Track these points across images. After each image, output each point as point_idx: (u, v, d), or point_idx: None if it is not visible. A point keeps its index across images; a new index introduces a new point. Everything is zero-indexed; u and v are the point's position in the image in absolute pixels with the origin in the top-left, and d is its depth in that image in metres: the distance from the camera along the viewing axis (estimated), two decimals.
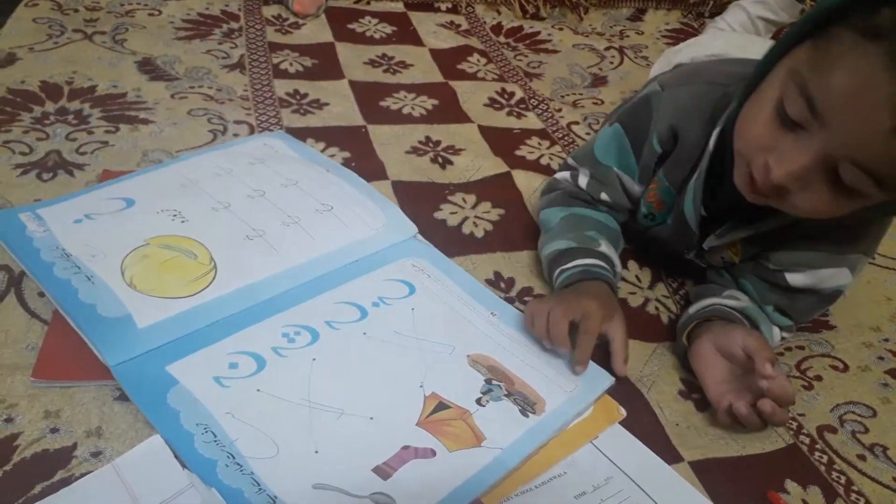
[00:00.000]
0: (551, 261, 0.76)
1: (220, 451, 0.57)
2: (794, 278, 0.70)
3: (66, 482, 0.54)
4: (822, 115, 0.53)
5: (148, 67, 1.10)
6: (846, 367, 0.77)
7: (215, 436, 0.58)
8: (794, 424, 0.70)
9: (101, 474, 0.54)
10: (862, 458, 0.68)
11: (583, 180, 0.79)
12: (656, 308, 0.81)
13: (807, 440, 0.68)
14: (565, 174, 0.82)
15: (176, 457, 0.56)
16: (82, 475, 0.55)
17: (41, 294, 0.68)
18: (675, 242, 0.78)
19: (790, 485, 0.64)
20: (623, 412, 0.67)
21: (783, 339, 0.75)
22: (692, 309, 0.74)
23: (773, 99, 0.56)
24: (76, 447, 0.57)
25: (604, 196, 0.78)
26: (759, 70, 0.59)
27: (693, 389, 0.72)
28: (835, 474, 0.65)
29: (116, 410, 0.60)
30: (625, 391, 0.70)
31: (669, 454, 0.64)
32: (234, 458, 0.57)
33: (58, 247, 0.72)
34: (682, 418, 0.68)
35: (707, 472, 0.63)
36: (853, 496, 0.64)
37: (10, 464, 0.55)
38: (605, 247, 0.75)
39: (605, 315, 0.68)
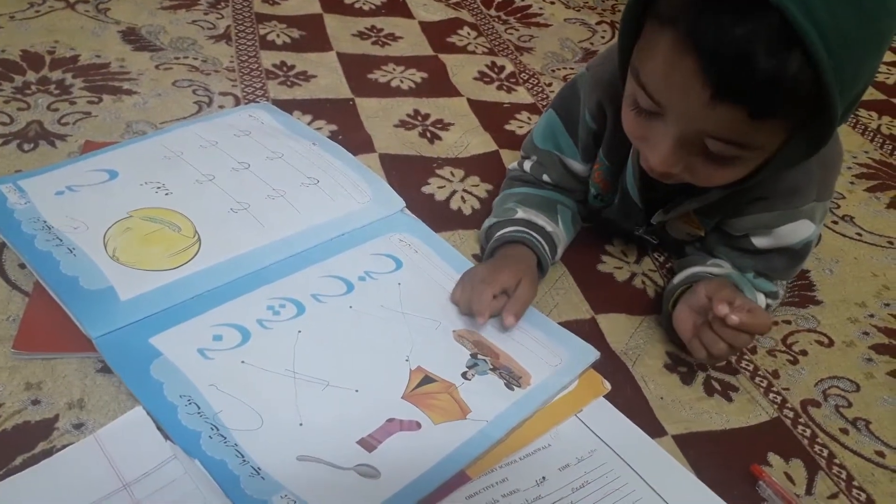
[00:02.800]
0: (482, 240, 0.81)
1: (204, 422, 0.57)
2: (759, 241, 0.72)
3: (48, 454, 0.54)
4: (658, 101, 0.57)
5: (132, 37, 1.08)
6: (831, 342, 0.78)
7: (199, 407, 0.58)
8: (779, 398, 0.70)
9: (83, 446, 0.54)
10: (844, 431, 0.68)
11: (527, 165, 0.82)
12: (643, 282, 0.81)
13: (791, 414, 0.69)
14: (514, 164, 0.85)
15: (159, 428, 0.56)
16: (64, 447, 0.54)
17: (22, 266, 0.67)
18: (624, 220, 0.80)
19: (773, 458, 0.64)
20: (608, 386, 0.67)
21: (768, 305, 0.75)
22: (676, 279, 0.75)
23: (630, 94, 0.61)
24: (58, 419, 0.57)
25: (546, 177, 0.81)
26: (621, 66, 0.63)
27: (678, 363, 0.72)
28: (817, 448, 0.66)
29: (99, 382, 0.60)
30: (610, 365, 0.70)
31: (653, 428, 0.65)
32: (217, 429, 0.57)
33: (39, 219, 0.71)
34: (666, 392, 0.68)
35: (690, 446, 0.64)
36: (835, 469, 0.64)
37: None
38: (521, 213, 0.77)
39: (510, 277, 0.70)
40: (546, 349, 0.69)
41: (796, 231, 0.70)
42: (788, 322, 0.79)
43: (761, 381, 0.72)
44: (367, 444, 0.58)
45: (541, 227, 0.76)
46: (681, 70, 0.53)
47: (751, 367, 0.73)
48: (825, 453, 0.66)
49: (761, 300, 0.74)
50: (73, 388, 0.59)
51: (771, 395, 0.70)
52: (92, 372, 0.60)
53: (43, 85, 0.94)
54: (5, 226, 0.70)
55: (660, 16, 0.55)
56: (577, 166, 0.79)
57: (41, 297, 0.65)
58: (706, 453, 0.63)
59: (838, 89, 0.50)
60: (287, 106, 0.98)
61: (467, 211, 0.87)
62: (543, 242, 0.75)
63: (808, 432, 0.67)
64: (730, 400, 0.69)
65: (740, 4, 0.50)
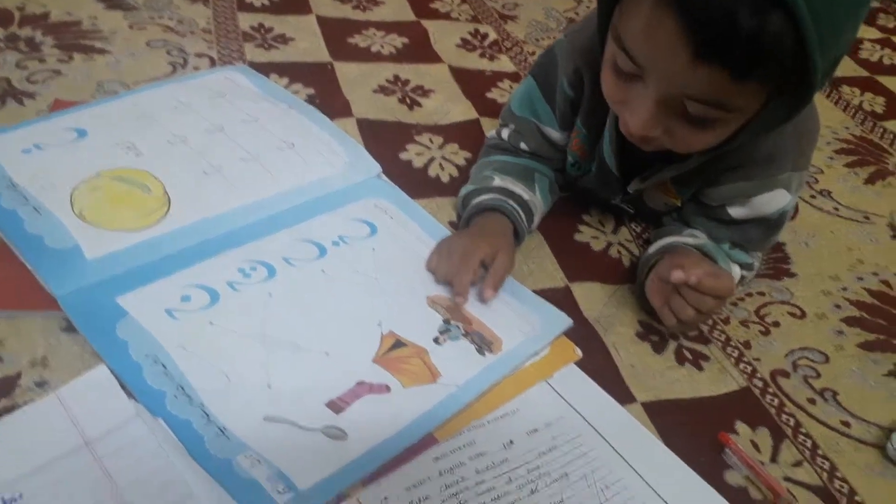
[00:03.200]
0: (458, 208, 0.80)
1: (170, 382, 0.57)
2: (735, 211, 0.71)
3: (9, 411, 0.53)
4: (639, 62, 0.57)
5: None
6: (803, 314, 0.78)
7: (165, 367, 0.57)
8: (749, 368, 0.70)
9: (44, 403, 0.53)
10: (812, 401, 0.69)
11: (505, 133, 0.82)
12: (618, 252, 0.81)
13: (760, 384, 0.69)
14: (492, 132, 0.84)
15: (123, 387, 0.55)
16: (26, 404, 0.53)
17: None
18: (601, 189, 0.80)
19: (740, 426, 0.65)
20: (579, 353, 0.67)
21: (743, 277, 0.75)
22: (651, 248, 0.74)
23: (610, 57, 0.60)
24: (20, 376, 0.56)
25: (523, 146, 0.80)
26: (600, 30, 0.62)
27: (651, 331, 0.72)
28: (784, 417, 0.66)
29: (63, 341, 0.59)
30: (582, 332, 0.70)
31: (623, 395, 0.65)
32: (183, 389, 0.56)
33: (4, 176, 0.70)
34: (637, 360, 0.69)
35: (659, 414, 0.64)
36: (801, 438, 0.65)
37: None
38: (498, 180, 0.76)
39: (488, 248, 0.69)
40: (519, 316, 0.69)
41: (772, 200, 0.69)
42: (762, 294, 0.80)
43: (732, 352, 0.72)
44: (336, 406, 0.58)
45: (518, 195, 0.75)
46: (663, 30, 0.53)
47: (723, 338, 0.73)
48: (791, 422, 0.66)
49: (736, 271, 0.74)
50: (37, 346, 0.58)
51: (741, 365, 0.70)
52: (56, 330, 0.59)
53: (12, 42, 0.91)
54: None
55: None
56: (555, 134, 0.78)
57: (5, 255, 0.63)
58: (674, 421, 0.63)
59: (819, 51, 0.50)
60: (264, 69, 0.97)
61: (445, 178, 0.86)
62: (520, 210, 0.74)
63: (776, 402, 0.68)
64: (700, 369, 0.69)
65: None
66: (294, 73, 0.98)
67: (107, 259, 0.64)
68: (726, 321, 0.75)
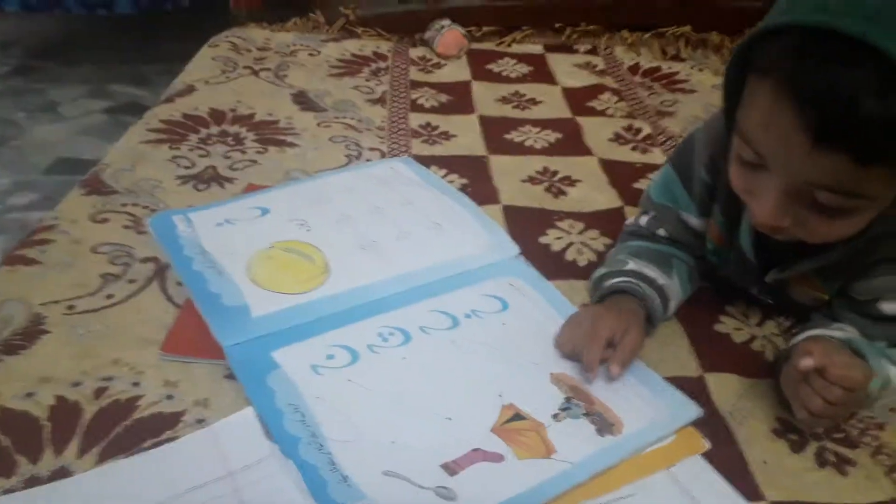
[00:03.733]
0: (591, 290, 0.81)
1: (305, 429, 0.63)
2: (889, 307, 0.66)
3: (171, 441, 0.61)
4: (760, 153, 0.57)
5: (301, 99, 1.22)
6: None
7: (303, 416, 0.64)
8: None
9: (199, 435, 0.61)
10: None
11: (643, 220, 0.82)
12: (762, 345, 0.77)
13: None
14: (631, 219, 0.85)
15: (264, 429, 0.62)
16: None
17: (179, 283, 0.78)
18: (739, 278, 0.77)
19: None
20: (707, 444, 0.65)
21: None
22: (793, 341, 0.70)
23: (736, 148, 0.60)
24: (185, 413, 0.64)
25: (661, 232, 0.80)
26: (727, 122, 0.62)
27: (789, 429, 0.67)
28: None
29: (224, 386, 0.67)
30: (712, 424, 0.67)
31: (751, 492, 0.61)
32: (316, 437, 0.62)
33: (199, 245, 0.83)
34: (771, 457, 0.64)
35: None
36: None
37: (130, 419, 0.63)
38: (632, 264, 0.76)
39: (617, 325, 0.70)
40: (644, 401, 0.68)
41: None
42: None
43: (885, 460, 0.65)
44: (450, 468, 0.61)
45: (652, 278, 0.75)
46: (781, 119, 0.53)
47: (875, 444, 0.66)
48: None
49: (894, 373, 0.68)
50: (202, 388, 0.67)
51: (894, 475, 0.64)
52: (220, 377, 0.68)
53: (222, 137, 1.09)
54: (172, 249, 0.81)
55: (759, 68, 0.56)
56: (694, 221, 0.78)
57: (190, 311, 0.75)
58: None
59: None
60: (425, 161, 1.06)
61: (582, 262, 0.88)
62: (654, 294, 0.74)
63: None
64: (844, 474, 0.63)
65: (841, 49, 0.49)
66: (452, 164, 1.07)
67: (268, 317, 0.73)
68: (881, 427, 0.68)
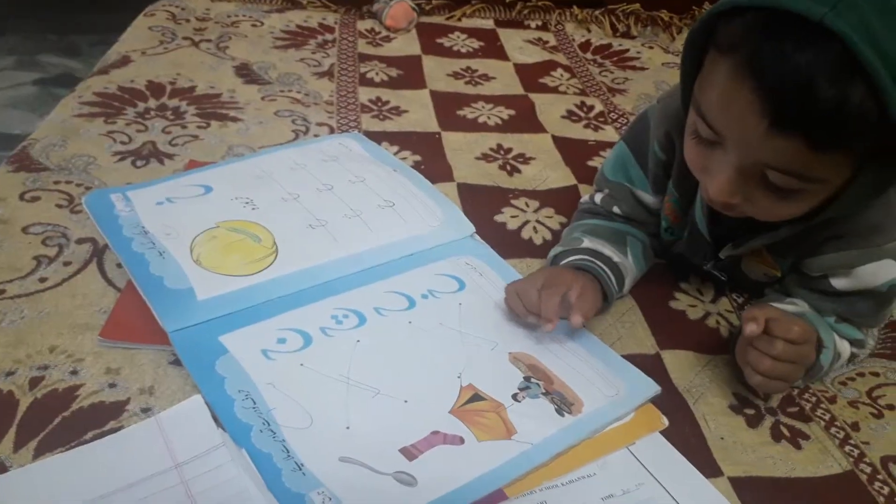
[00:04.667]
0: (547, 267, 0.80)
1: (257, 417, 0.60)
2: (838, 282, 0.67)
3: (115, 432, 0.58)
4: (717, 130, 0.57)
5: (244, 72, 1.17)
6: None
7: (254, 403, 0.61)
8: (856, 451, 0.65)
9: (144, 426, 0.58)
10: None
11: (598, 197, 0.82)
12: (717, 322, 0.78)
13: (868, 469, 0.63)
14: (586, 197, 0.85)
15: (214, 417, 0.59)
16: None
17: (119, 265, 0.74)
18: (693, 254, 0.78)
19: None
20: (665, 421, 0.65)
21: (854, 354, 0.70)
22: None
23: (691, 124, 0.61)
24: (129, 402, 0.61)
25: (616, 209, 0.80)
26: (683, 98, 0.62)
27: (746, 404, 0.68)
28: None
29: (169, 373, 0.64)
30: (670, 401, 0.67)
31: (709, 468, 0.61)
32: (268, 424, 0.59)
33: (138, 224, 0.78)
34: (728, 433, 0.65)
35: (748, 490, 0.60)
36: None
37: (69, 410, 0.59)
38: (588, 242, 0.76)
39: (574, 281, 0.69)
40: (603, 379, 0.68)
41: (879, 272, 0.65)
42: (876, 374, 0.74)
43: (837, 432, 0.67)
44: (409, 452, 0.59)
45: (607, 256, 0.75)
46: (739, 98, 0.53)
47: (827, 417, 0.68)
48: None
49: (845, 347, 0.70)
50: (146, 375, 0.64)
51: (847, 448, 0.65)
52: (165, 363, 0.65)
53: (161, 111, 1.03)
54: (109, 229, 0.77)
55: (719, 45, 0.55)
56: (648, 198, 0.78)
57: (130, 294, 0.70)
58: (765, 499, 0.59)
59: None
60: (376, 137, 1.03)
61: (538, 241, 0.87)
62: (609, 271, 0.74)
63: (886, 490, 0.62)
64: (799, 447, 0.64)
65: (801, 33, 0.49)
66: (403, 141, 1.04)
67: (215, 301, 0.70)
68: (832, 400, 0.70)
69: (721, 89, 0.54)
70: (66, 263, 0.74)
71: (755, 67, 0.51)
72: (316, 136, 1.03)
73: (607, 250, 0.75)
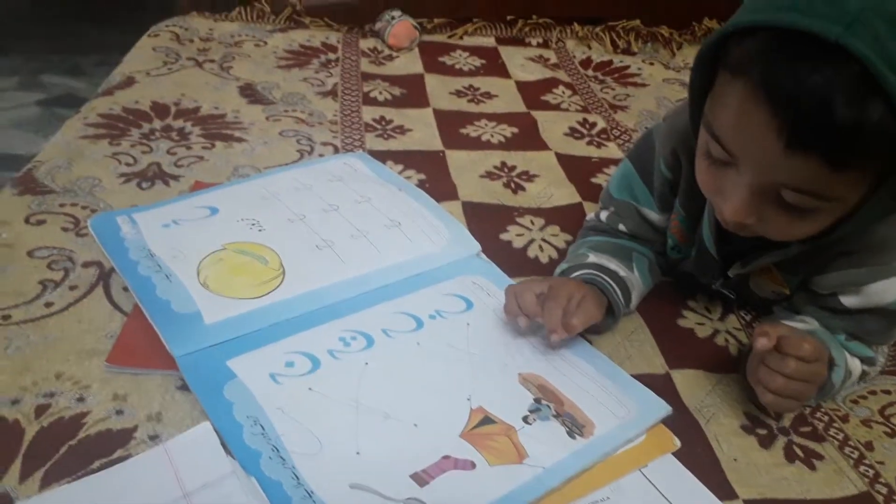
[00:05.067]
0: None
1: (266, 443, 0.59)
2: (848, 300, 0.67)
3: (123, 460, 0.57)
4: (731, 151, 0.56)
5: (248, 92, 1.17)
6: None
7: (263, 429, 0.61)
8: (871, 472, 0.64)
9: (152, 454, 0.57)
10: None
11: (604, 215, 0.82)
12: (725, 340, 0.78)
13: (884, 490, 0.63)
14: (591, 214, 0.85)
15: (223, 444, 0.59)
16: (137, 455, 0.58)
17: (125, 289, 0.73)
18: (701, 273, 0.78)
19: None
20: (677, 443, 0.64)
21: (865, 372, 0.70)
22: None
23: (703, 145, 0.60)
24: (136, 429, 0.60)
25: (622, 227, 0.80)
26: (692, 118, 0.62)
27: (758, 424, 0.68)
28: None
29: (177, 399, 0.64)
30: (682, 422, 0.67)
31: (723, 490, 0.61)
32: (278, 451, 0.59)
33: (145, 247, 0.78)
34: (741, 454, 0.64)
35: None
36: None
37: (76, 439, 0.59)
38: (594, 258, 0.76)
39: (577, 290, 0.69)
40: (614, 399, 0.67)
41: (889, 289, 0.65)
42: (888, 392, 0.73)
43: (851, 452, 0.66)
44: (420, 478, 0.58)
45: (613, 270, 0.75)
46: (754, 120, 0.52)
47: (840, 437, 0.67)
48: None
49: (856, 365, 0.69)
50: (154, 402, 0.63)
51: (862, 468, 0.64)
52: (172, 388, 0.64)
53: (166, 132, 1.03)
54: (115, 252, 0.76)
55: (731, 66, 0.55)
56: (654, 216, 0.78)
57: (137, 318, 0.70)
58: None
59: None
60: (381, 156, 1.03)
61: (544, 259, 0.87)
62: (615, 286, 0.73)
63: None
64: (813, 468, 0.64)
65: (815, 53, 0.49)
66: (408, 160, 1.04)
67: (222, 324, 0.70)
68: (845, 419, 0.69)
69: (735, 111, 0.54)
70: (73, 287, 0.74)
71: (770, 89, 0.51)
72: (321, 155, 1.03)
73: (613, 265, 0.75)
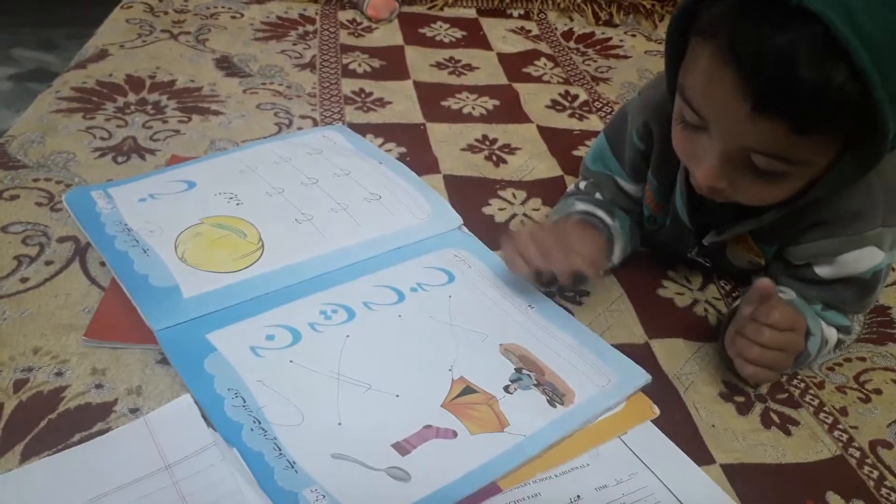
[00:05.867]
0: None
1: (247, 415, 0.59)
2: (822, 270, 0.68)
3: (103, 433, 0.57)
4: (702, 115, 0.57)
5: (225, 64, 1.16)
6: None
7: (244, 401, 0.60)
8: (845, 436, 0.65)
9: (133, 427, 0.57)
10: None
11: (582, 185, 0.83)
12: (705, 309, 0.79)
13: (857, 453, 0.64)
14: (572, 186, 0.86)
15: (203, 416, 0.59)
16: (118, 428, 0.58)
17: (102, 263, 0.73)
18: (676, 242, 0.78)
19: (832, 497, 0.60)
20: (656, 410, 0.65)
21: (840, 340, 0.71)
22: (737, 302, 0.71)
23: (677, 111, 0.61)
24: (116, 403, 0.60)
25: (598, 196, 0.81)
26: (668, 85, 0.62)
27: (735, 391, 0.69)
28: (885, 490, 0.61)
29: (157, 372, 0.63)
30: (661, 390, 0.68)
31: (701, 456, 0.62)
32: (259, 423, 0.59)
33: (121, 222, 0.77)
34: (719, 420, 0.65)
35: (740, 478, 0.60)
36: None
37: (55, 413, 0.58)
38: (581, 206, 0.77)
39: (579, 233, 0.70)
40: (594, 369, 0.68)
41: (862, 259, 0.66)
42: (863, 359, 0.74)
43: (826, 418, 0.67)
44: (402, 447, 0.59)
45: (601, 217, 0.76)
46: (721, 82, 0.53)
47: (815, 402, 0.69)
48: (893, 497, 0.60)
49: (832, 334, 0.70)
50: (134, 375, 0.63)
51: (836, 433, 0.66)
52: (152, 362, 0.64)
53: (141, 105, 1.02)
54: (91, 227, 0.75)
55: (701, 31, 0.55)
56: (629, 186, 0.78)
57: (115, 292, 0.69)
58: (757, 487, 0.60)
59: (889, 103, 0.48)
60: (361, 129, 1.02)
61: None
62: (605, 231, 0.75)
63: (876, 474, 0.62)
64: (788, 434, 0.65)
65: (780, 15, 0.49)
66: (388, 133, 1.03)
67: (202, 298, 0.69)
68: (820, 385, 0.71)
69: (704, 75, 0.55)
70: (48, 263, 0.73)
71: (735, 51, 0.51)
72: (299, 129, 1.02)
73: (600, 213, 0.77)
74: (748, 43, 0.50)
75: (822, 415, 0.67)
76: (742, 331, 0.63)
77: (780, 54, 0.48)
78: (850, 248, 0.65)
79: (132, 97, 1.03)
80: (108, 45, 1.16)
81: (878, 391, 0.71)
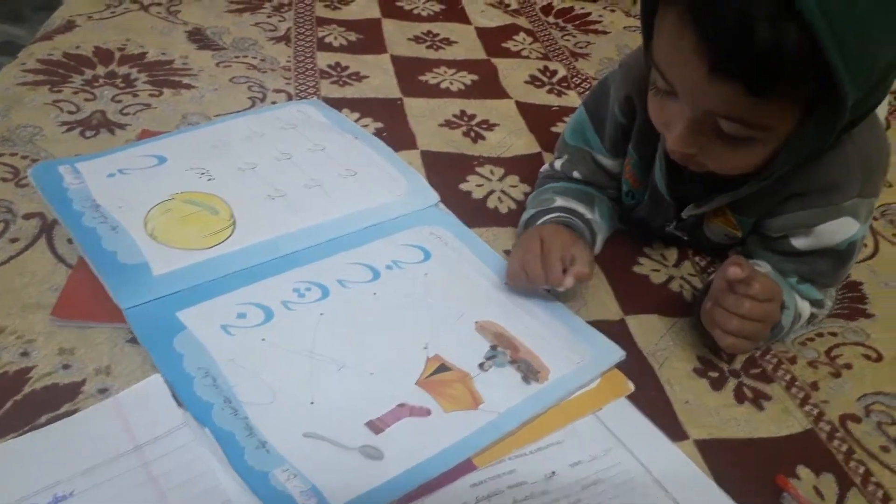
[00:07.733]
0: (520, 233, 0.79)
1: (218, 394, 0.59)
2: (799, 242, 0.68)
3: (71, 415, 0.56)
4: (667, 79, 0.57)
5: (197, 37, 1.13)
6: (880, 357, 0.73)
7: (215, 380, 0.60)
8: (815, 411, 0.66)
9: (101, 407, 0.56)
10: (885, 449, 0.63)
11: (558, 164, 0.82)
12: (680, 286, 0.79)
13: (827, 427, 0.65)
14: (546, 165, 0.85)
15: (174, 396, 0.58)
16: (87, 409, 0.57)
17: (70, 241, 0.71)
18: (654, 216, 0.78)
19: (802, 471, 0.61)
20: (631, 386, 0.65)
21: (813, 315, 0.71)
22: (712, 277, 0.71)
23: (652, 77, 0.61)
24: (84, 383, 0.59)
25: (576, 174, 0.80)
26: (645, 53, 0.62)
27: (710, 367, 0.69)
28: (853, 464, 0.62)
29: (126, 351, 0.62)
30: (636, 366, 0.68)
31: (675, 431, 0.62)
32: (230, 402, 0.58)
33: (89, 198, 0.75)
34: (692, 396, 0.66)
35: (713, 452, 0.61)
36: (871, 487, 0.60)
37: (21, 394, 0.57)
38: (560, 201, 0.77)
39: (570, 239, 0.70)
40: (569, 346, 0.68)
41: (839, 230, 0.66)
42: (834, 334, 0.75)
43: (798, 392, 0.68)
44: (375, 426, 0.58)
45: (581, 213, 0.75)
46: (683, 46, 0.53)
47: (787, 377, 0.69)
48: (861, 470, 0.61)
49: (806, 308, 0.71)
50: (103, 355, 0.62)
51: (807, 407, 0.66)
52: (121, 341, 0.63)
53: (110, 79, 0.99)
54: (59, 203, 0.74)
55: None
56: (607, 161, 0.78)
57: (83, 270, 0.68)
58: (729, 461, 0.60)
59: (848, 67, 0.48)
60: (337, 104, 1.01)
61: (503, 210, 0.86)
62: (585, 228, 0.74)
63: (845, 447, 0.63)
64: (761, 409, 0.65)
65: None
66: (364, 107, 1.01)
67: (171, 276, 0.68)
68: (793, 360, 0.71)
69: (667, 39, 0.55)
70: (13, 240, 0.71)
71: (695, 14, 0.51)
72: (273, 103, 1.00)
73: (580, 208, 0.76)
74: (707, 5, 0.50)
75: (793, 389, 0.68)
76: (722, 302, 0.63)
77: (736, 16, 0.48)
78: (827, 218, 0.65)
79: (101, 70, 1.00)
80: (76, 15, 1.12)
81: (848, 366, 0.71)
